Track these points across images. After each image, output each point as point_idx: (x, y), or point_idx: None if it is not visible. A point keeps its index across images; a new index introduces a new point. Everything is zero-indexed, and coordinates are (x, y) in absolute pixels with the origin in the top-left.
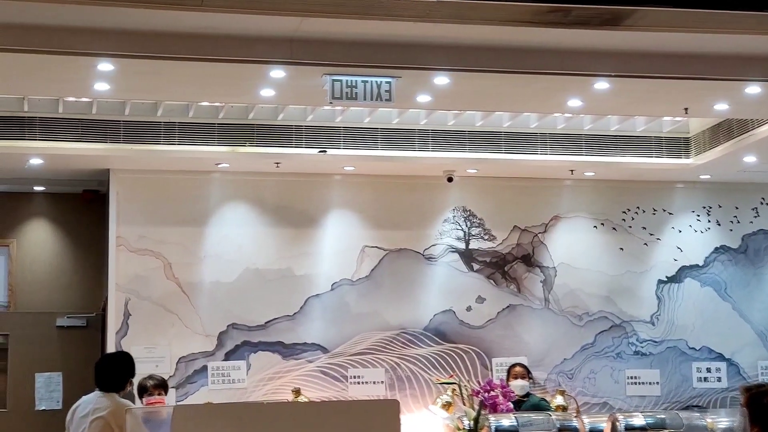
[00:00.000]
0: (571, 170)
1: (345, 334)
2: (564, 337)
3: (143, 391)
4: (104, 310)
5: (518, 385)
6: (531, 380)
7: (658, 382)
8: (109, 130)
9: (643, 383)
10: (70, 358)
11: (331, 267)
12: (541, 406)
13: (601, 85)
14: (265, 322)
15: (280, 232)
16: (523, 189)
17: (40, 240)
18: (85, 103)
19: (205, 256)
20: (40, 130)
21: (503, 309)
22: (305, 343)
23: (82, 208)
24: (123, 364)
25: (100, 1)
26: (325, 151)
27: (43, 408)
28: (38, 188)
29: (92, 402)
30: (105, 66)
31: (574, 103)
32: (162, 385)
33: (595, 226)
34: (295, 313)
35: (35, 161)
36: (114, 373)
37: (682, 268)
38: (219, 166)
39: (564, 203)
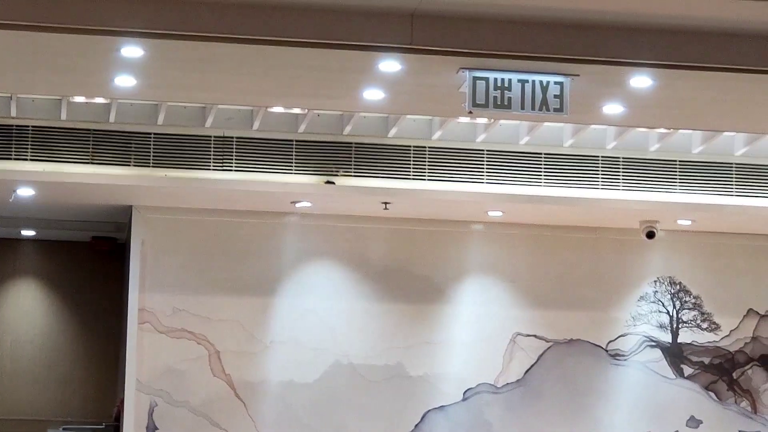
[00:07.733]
0: None
1: None
2: None
3: None
4: (118, 419)
5: None
6: None
7: None
8: (133, 147)
9: None
10: None
11: (464, 365)
12: None
13: None
14: None
15: (389, 308)
16: (764, 251)
17: (24, 310)
18: (100, 106)
19: (272, 342)
20: (32, 146)
21: None
22: None
23: (90, 263)
24: None
25: None
26: (333, 182)
27: None
28: (26, 233)
29: None
30: (130, 50)
31: None
32: None
33: None
34: None
35: (23, 192)
36: None
37: None
38: (298, 205)
39: None
